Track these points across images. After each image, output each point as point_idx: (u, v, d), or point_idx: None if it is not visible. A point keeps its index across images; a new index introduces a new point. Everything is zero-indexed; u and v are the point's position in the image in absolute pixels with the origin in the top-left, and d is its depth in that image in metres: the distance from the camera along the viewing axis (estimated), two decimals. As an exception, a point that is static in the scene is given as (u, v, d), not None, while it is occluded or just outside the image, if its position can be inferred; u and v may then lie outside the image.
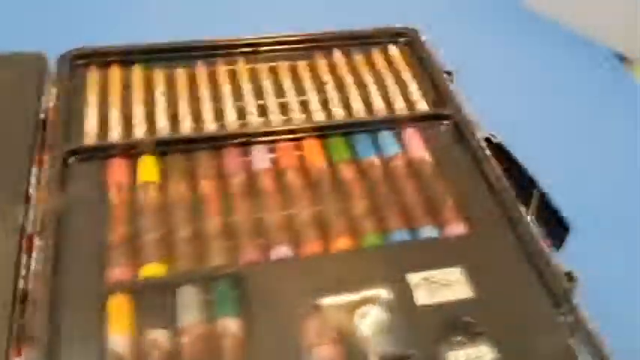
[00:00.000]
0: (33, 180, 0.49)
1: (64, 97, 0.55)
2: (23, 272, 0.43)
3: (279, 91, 0.58)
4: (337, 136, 0.54)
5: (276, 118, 0.56)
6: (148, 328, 0.41)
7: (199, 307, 0.42)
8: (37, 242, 0.45)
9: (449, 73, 0.59)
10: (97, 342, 0.40)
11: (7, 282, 0.42)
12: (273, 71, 0.60)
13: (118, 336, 0.40)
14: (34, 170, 0.50)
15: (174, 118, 0.55)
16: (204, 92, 0.58)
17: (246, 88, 0.58)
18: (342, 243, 0.46)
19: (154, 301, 0.42)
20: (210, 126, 0.55)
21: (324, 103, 0.57)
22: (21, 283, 0.42)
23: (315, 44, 0.63)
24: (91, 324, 0.41)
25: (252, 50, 0.62)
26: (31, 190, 0.48)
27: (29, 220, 0.46)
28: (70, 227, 0.46)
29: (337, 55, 0.62)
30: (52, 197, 0.47)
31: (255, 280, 0.43)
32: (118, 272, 0.44)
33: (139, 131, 0.54)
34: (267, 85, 0.59)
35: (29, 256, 0.44)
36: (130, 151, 0.52)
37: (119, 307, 0.42)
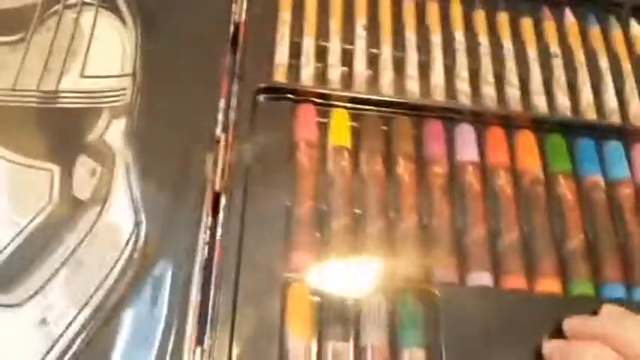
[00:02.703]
0: (220, 116, 0.44)
1: (257, 12, 0.48)
2: (207, 236, 0.40)
3: (496, 52, 0.50)
4: (557, 133, 0.46)
5: (488, 91, 0.48)
6: (330, 336, 0.38)
7: (385, 323, 0.38)
8: (223, 202, 0.41)
9: None
10: (276, 337, 0.37)
11: (189, 245, 0.39)
12: (490, 22, 0.51)
13: (299, 340, 0.37)
14: (222, 103, 0.44)
15: (373, 63, 0.48)
16: (411, 35, 0.50)
17: (459, 39, 0.50)
18: (548, 284, 0.40)
19: (337, 304, 0.39)
20: (412, 85, 0.47)
21: (546, 82, 0.49)
22: (204, 248, 0.39)
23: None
24: (271, 313, 0.38)
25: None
26: (218, 131, 0.43)
27: (215, 170, 0.42)
28: (256, 186, 0.42)
29: (569, 19, 0.52)
30: (241, 146, 0.43)
31: (448, 306, 0.39)
32: (301, 256, 0.40)
33: (334, 74, 0.47)
34: (483, 40, 0.50)
35: (214, 217, 0.40)
36: (323, 99, 0.46)
37: (300, 302, 0.39)
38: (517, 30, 0.51)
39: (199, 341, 0.36)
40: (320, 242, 0.41)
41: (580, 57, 0.50)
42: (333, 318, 0.38)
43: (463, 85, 0.48)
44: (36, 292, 0.37)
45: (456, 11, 0.51)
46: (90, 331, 0.36)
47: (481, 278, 0.40)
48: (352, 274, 0.40)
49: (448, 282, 0.40)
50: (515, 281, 0.40)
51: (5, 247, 0.38)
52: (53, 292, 0.37)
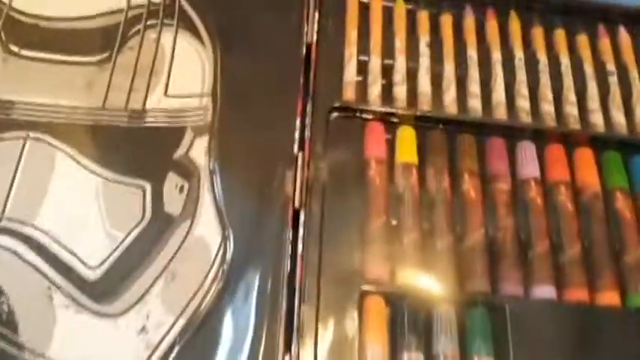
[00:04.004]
0: (296, 135, 0.47)
1: (327, 32, 0.51)
2: (289, 249, 0.42)
3: (555, 69, 0.52)
4: (614, 151, 0.48)
5: (547, 109, 0.50)
6: (404, 346, 0.41)
7: (455, 333, 0.41)
8: (302, 217, 0.44)
9: None
10: (355, 345, 0.40)
11: (275, 258, 0.42)
12: (549, 40, 0.53)
13: (377, 347, 0.40)
14: (298, 122, 0.47)
15: (436, 81, 0.50)
16: (472, 53, 0.52)
17: (518, 56, 0.52)
18: (607, 296, 0.43)
19: (410, 315, 0.42)
20: (474, 102, 0.50)
21: (603, 101, 0.51)
22: (287, 263, 0.42)
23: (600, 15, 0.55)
24: (350, 323, 0.41)
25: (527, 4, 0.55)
26: (295, 149, 0.46)
27: (294, 187, 0.45)
28: (332, 202, 0.44)
29: (624, 36, 0.54)
30: (316, 163, 0.45)
31: (516, 317, 0.41)
32: (375, 270, 0.43)
33: (400, 91, 0.50)
34: (542, 57, 0.52)
35: (294, 232, 0.43)
36: (390, 117, 0.48)
37: (376, 312, 0.41)
38: (574, 47, 0.53)
39: (287, 349, 0.39)
40: (393, 256, 0.43)
41: (634, 75, 0.52)
42: (407, 328, 0.41)
43: (523, 103, 0.50)
44: (135, 303, 0.40)
45: (515, 28, 0.53)
46: (185, 339, 0.39)
47: (545, 291, 0.43)
48: (423, 286, 0.43)
49: (514, 295, 0.43)
50: (577, 294, 0.43)
51: (106, 260, 0.41)
52: (151, 302, 0.40)
